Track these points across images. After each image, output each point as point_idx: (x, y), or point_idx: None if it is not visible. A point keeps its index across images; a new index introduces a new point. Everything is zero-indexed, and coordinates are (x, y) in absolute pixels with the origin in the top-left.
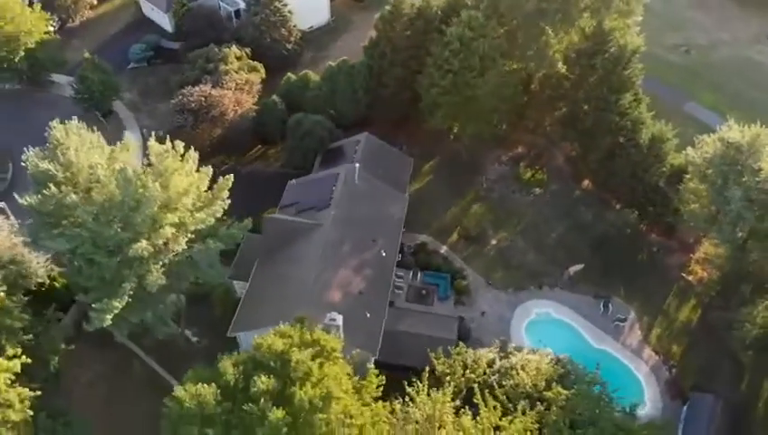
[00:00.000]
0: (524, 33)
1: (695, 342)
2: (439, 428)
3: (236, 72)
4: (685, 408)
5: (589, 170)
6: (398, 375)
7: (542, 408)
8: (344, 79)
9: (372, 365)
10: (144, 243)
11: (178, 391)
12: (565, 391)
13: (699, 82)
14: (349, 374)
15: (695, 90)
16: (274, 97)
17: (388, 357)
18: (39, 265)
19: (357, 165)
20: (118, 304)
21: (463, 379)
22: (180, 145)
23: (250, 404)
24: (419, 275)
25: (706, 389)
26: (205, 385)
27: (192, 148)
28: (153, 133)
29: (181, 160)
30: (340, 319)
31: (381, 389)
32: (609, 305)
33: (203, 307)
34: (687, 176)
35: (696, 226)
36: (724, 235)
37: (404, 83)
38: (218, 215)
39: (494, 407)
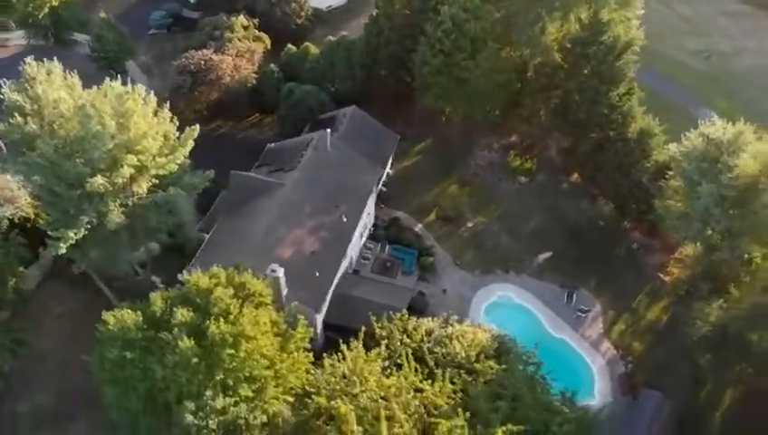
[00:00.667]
0: (521, 18)
1: (658, 341)
2: (360, 383)
3: (240, 41)
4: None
5: (577, 163)
6: (348, 338)
7: (470, 379)
8: (342, 54)
9: (320, 324)
10: (100, 178)
11: (107, 316)
12: (496, 366)
13: (716, 88)
14: (275, 322)
15: (710, 95)
16: (272, 66)
17: (339, 319)
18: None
19: (328, 131)
20: (73, 235)
21: (399, 344)
22: (142, 88)
23: (166, 332)
24: (387, 248)
25: (659, 387)
26: (129, 312)
27: (193, 109)
28: (152, 92)
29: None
30: (280, 271)
31: (310, 340)
32: (574, 296)
33: (176, 258)
34: (671, 172)
35: (669, 222)
36: (691, 232)
37: (399, 62)
38: (178, 162)
39: (416, 369)
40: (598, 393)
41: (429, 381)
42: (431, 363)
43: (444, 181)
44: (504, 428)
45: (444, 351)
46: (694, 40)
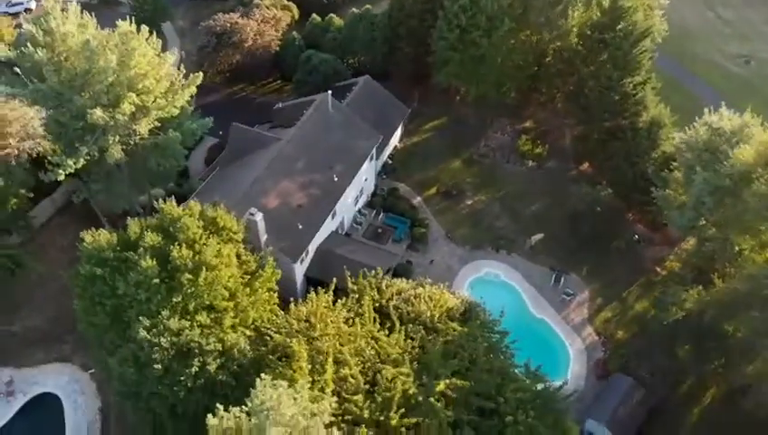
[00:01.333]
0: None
1: (643, 332)
2: (319, 327)
3: (268, 8)
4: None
5: (588, 151)
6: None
7: (429, 337)
8: (365, 27)
9: (300, 276)
10: (99, 110)
11: (85, 234)
12: (459, 328)
13: (749, 92)
14: (245, 260)
15: (741, 99)
16: (294, 33)
17: (322, 275)
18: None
19: (329, 93)
20: (72, 163)
21: (367, 298)
22: (146, 30)
23: (132, 252)
24: (381, 215)
25: (634, 375)
26: (105, 233)
27: (217, 70)
28: (182, 52)
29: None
30: (259, 216)
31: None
32: (562, 279)
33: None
34: (675, 163)
35: (666, 213)
36: (685, 221)
37: (419, 37)
38: (178, 105)
39: (376, 320)
40: (571, 375)
41: (386, 332)
42: (394, 318)
43: (451, 159)
44: (448, 380)
45: (409, 309)
46: (735, 44)
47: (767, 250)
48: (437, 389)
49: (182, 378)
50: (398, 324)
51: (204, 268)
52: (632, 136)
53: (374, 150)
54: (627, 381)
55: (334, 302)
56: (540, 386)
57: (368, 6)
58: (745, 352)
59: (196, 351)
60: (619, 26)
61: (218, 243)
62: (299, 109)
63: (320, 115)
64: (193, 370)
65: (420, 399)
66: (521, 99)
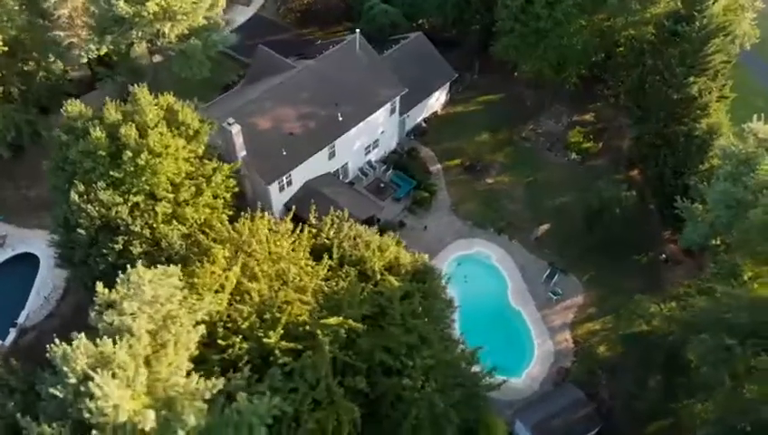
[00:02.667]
0: None
1: (629, 356)
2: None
3: None
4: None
5: (641, 156)
6: None
7: (360, 281)
8: None
9: (276, 203)
10: (123, 2)
11: (68, 104)
12: (395, 283)
13: None
14: (204, 164)
15: None
16: None
17: (300, 210)
18: None
19: (357, 32)
20: (94, 49)
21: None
22: None
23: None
24: (390, 171)
25: (591, 391)
26: (83, 106)
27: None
28: None
29: None
30: (235, 128)
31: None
32: (555, 276)
33: None
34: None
35: (687, 225)
36: (692, 236)
37: (488, 3)
38: (202, 12)
39: (314, 252)
40: (527, 375)
41: (314, 263)
42: (335, 256)
43: (490, 135)
44: (340, 319)
45: (356, 253)
46: None
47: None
48: (329, 321)
49: (106, 251)
50: (334, 262)
51: (146, 151)
52: (684, 144)
53: (397, 103)
54: (575, 394)
55: (294, 231)
56: (454, 353)
57: None
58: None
59: (122, 229)
60: (696, 17)
61: (173, 136)
62: (329, 45)
63: (343, 53)
64: (117, 247)
65: (308, 328)
66: (584, 89)
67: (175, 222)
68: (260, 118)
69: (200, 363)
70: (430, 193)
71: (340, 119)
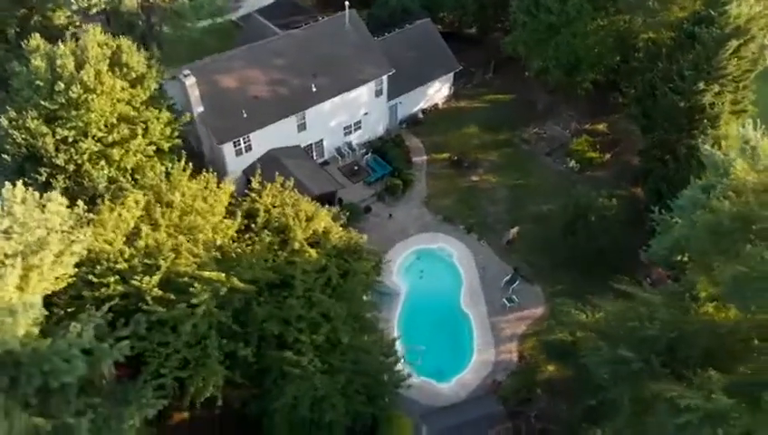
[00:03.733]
0: None
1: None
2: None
3: None
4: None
5: (643, 170)
6: None
7: (276, 247)
8: None
9: (234, 166)
10: None
11: (33, 39)
12: (313, 254)
13: None
14: (151, 112)
15: None
16: None
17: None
18: None
19: (347, 4)
20: (85, 3)
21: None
22: None
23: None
24: (369, 155)
25: (516, 409)
26: (40, 40)
27: None
28: None
29: None
30: (190, 80)
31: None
32: (515, 283)
33: None
34: None
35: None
36: (655, 248)
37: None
38: None
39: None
40: (457, 382)
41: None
42: (260, 220)
43: (488, 133)
44: (222, 275)
45: (282, 220)
46: None
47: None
48: (208, 275)
49: (29, 182)
50: (257, 226)
51: (78, 84)
52: (686, 157)
53: (384, 85)
54: (493, 408)
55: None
56: (361, 338)
57: None
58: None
59: (46, 161)
60: (715, 19)
61: (114, 76)
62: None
63: (331, 26)
64: (40, 179)
65: (186, 279)
66: (600, 97)
67: (103, 163)
68: (225, 77)
69: (76, 299)
70: (404, 182)
71: (314, 89)
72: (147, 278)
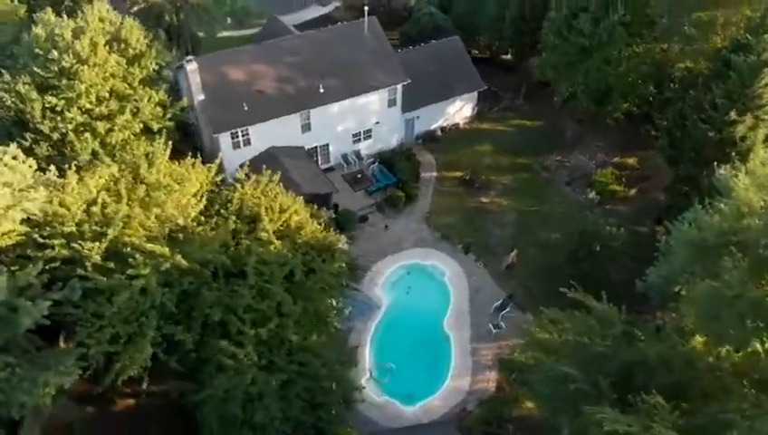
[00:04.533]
0: None
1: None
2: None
3: None
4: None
5: (667, 207)
6: None
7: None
8: (494, 2)
9: (224, 152)
10: None
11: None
12: (278, 245)
13: None
14: (137, 77)
15: None
16: None
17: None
18: None
19: (365, 11)
20: None
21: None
22: None
23: None
24: (375, 165)
25: None
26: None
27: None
28: None
29: None
30: (192, 66)
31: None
32: (506, 309)
33: None
34: None
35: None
36: (650, 278)
37: (539, 19)
38: None
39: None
40: (421, 407)
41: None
42: (232, 207)
43: (507, 157)
44: (165, 250)
45: (255, 209)
46: None
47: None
48: (151, 247)
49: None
50: (227, 213)
51: (71, 54)
52: (708, 191)
53: (398, 95)
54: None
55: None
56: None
57: None
58: None
59: (32, 127)
60: (753, 46)
61: (111, 51)
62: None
63: (349, 31)
64: (25, 144)
65: (129, 250)
66: (633, 129)
67: (88, 135)
68: (232, 69)
69: (22, 258)
70: (408, 195)
71: (321, 90)
72: (90, 244)
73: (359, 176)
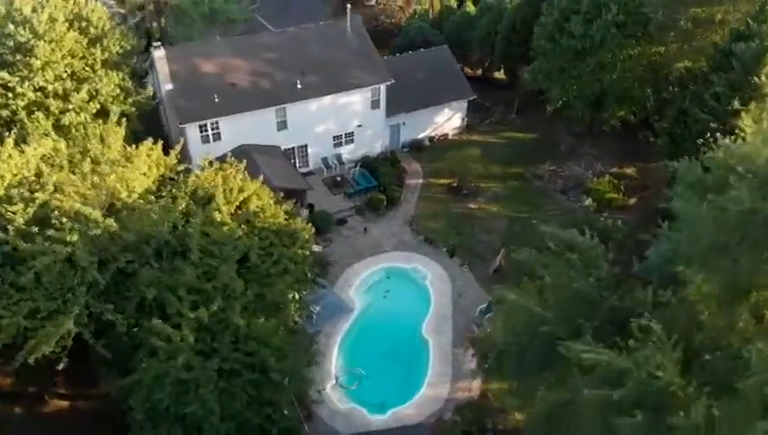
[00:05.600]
0: None
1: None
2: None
3: None
4: None
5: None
6: None
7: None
8: (487, 18)
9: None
10: None
11: None
12: (233, 227)
13: None
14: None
15: None
16: (421, 14)
17: None
18: None
19: (348, 7)
20: None
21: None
22: None
23: None
24: (357, 168)
25: None
26: None
27: None
28: None
29: None
30: (160, 53)
31: None
32: (490, 313)
33: None
34: None
35: None
36: (653, 257)
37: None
38: None
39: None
40: (393, 415)
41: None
42: (187, 188)
43: (498, 166)
44: (94, 211)
45: (210, 191)
46: None
47: None
48: (83, 210)
49: None
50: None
51: (26, 28)
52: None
53: (381, 96)
54: None
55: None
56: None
57: None
58: None
59: None
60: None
61: (70, 28)
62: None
63: (331, 30)
64: None
65: (57, 213)
66: (629, 136)
67: (40, 115)
68: (205, 61)
69: None
70: (389, 199)
71: (299, 86)
72: (15, 207)
73: (338, 178)
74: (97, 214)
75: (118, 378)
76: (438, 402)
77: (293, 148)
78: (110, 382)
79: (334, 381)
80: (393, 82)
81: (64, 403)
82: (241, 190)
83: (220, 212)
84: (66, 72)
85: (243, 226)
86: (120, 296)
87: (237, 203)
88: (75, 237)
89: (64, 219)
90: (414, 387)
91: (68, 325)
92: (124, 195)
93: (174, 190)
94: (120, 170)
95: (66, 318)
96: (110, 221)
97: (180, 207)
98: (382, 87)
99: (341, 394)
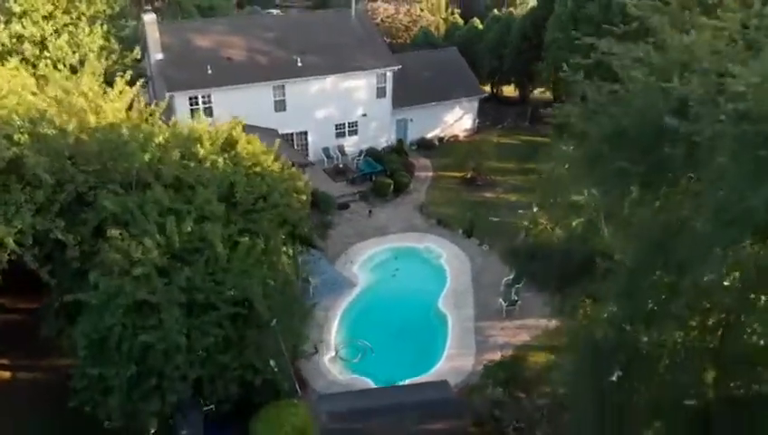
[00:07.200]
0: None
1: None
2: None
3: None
4: None
5: None
6: None
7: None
8: (495, 31)
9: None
10: None
11: None
12: (219, 161)
13: None
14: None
15: None
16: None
17: None
18: None
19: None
20: None
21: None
22: None
23: None
24: (362, 156)
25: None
26: None
27: None
28: None
29: None
30: (150, 17)
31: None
32: (519, 284)
33: None
34: None
35: None
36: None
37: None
38: None
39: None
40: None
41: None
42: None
43: (515, 163)
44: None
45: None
46: None
47: None
48: (40, 109)
49: None
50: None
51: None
52: None
53: (387, 84)
54: (440, 394)
55: None
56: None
57: (511, 9)
58: None
59: None
60: None
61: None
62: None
63: (334, 17)
64: None
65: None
66: None
67: (14, 59)
68: (201, 37)
69: None
70: (397, 183)
71: (300, 64)
72: None
73: (340, 166)
74: (52, 110)
75: (63, 315)
76: (462, 375)
77: (292, 134)
78: (51, 325)
79: (334, 353)
80: (400, 67)
81: (5, 374)
82: (229, 133)
83: (202, 146)
84: (45, 17)
85: (229, 161)
86: (76, 219)
87: (221, 141)
88: (25, 138)
89: (14, 116)
90: (430, 361)
91: (6, 239)
92: (92, 119)
93: (152, 124)
94: (91, 96)
95: (5, 228)
96: (70, 126)
97: (157, 140)
98: (388, 73)
99: (342, 367)
